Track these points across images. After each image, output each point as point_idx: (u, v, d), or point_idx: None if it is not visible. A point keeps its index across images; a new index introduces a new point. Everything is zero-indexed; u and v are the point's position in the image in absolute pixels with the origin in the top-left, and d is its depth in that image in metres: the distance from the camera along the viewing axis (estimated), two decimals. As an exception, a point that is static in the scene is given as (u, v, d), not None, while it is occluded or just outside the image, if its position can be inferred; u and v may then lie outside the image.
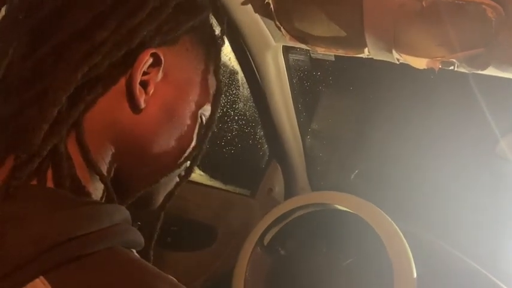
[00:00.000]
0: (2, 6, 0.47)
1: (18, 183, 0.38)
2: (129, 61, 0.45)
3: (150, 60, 0.46)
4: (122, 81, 0.45)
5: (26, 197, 0.38)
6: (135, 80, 0.45)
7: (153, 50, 0.46)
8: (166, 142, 0.49)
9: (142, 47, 0.45)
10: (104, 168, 0.46)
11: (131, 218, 0.44)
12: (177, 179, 0.54)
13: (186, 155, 0.52)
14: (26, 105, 0.41)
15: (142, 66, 0.45)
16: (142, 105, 0.46)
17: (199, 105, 0.52)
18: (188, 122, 0.51)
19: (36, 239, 0.34)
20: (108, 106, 0.45)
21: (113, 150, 0.46)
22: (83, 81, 0.41)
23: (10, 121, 0.42)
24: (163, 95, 0.48)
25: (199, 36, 0.52)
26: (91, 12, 0.43)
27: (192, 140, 0.52)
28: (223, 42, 0.57)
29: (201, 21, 0.51)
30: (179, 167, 0.52)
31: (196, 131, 0.53)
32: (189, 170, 0.54)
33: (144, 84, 0.46)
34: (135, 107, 0.46)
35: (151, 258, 0.52)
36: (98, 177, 0.45)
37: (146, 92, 0.46)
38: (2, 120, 0.43)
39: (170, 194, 0.54)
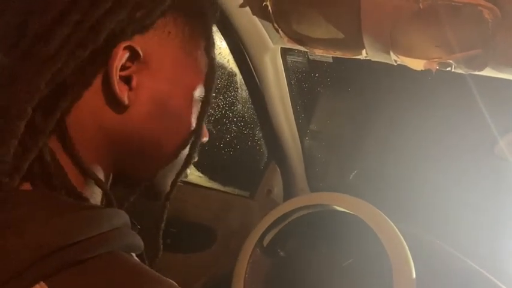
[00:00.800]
0: None
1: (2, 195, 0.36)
2: (99, 60, 0.41)
3: (127, 54, 0.42)
4: (98, 82, 0.42)
5: (23, 202, 0.37)
6: (112, 79, 0.42)
7: (127, 43, 0.42)
8: (163, 134, 0.47)
9: (113, 41, 0.41)
10: (101, 172, 0.45)
11: (131, 220, 0.44)
12: (179, 167, 0.51)
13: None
14: None
15: (118, 63, 0.42)
16: (127, 102, 0.43)
17: (192, 88, 0.49)
18: (183, 108, 0.48)
19: (35, 245, 0.33)
20: (91, 110, 0.42)
21: (108, 153, 0.45)
22: (51, 87, 0.39)
23: None
24: (150, 86, 0.45)
25: (181, 13, 0.47)
26: (52, 11, 0.39)
27: (190, 125, 0.49)
28: (215, 11, 0.52)
29: None
30: (177, 156, 0.49)
31: (194, 114, 0.49)
32: (189, 158, 0.50)
33: (127, 80, 0.43)
34: (119, 106, 0.43)
35: (161, 247, 0.51)
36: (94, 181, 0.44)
37: (130, 88, 0.43)
38: None
39: (173, 183, 0.51)
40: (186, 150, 0.50)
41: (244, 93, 1.34)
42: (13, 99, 0.37)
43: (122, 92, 0.43)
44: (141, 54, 0.43)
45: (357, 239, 0.98)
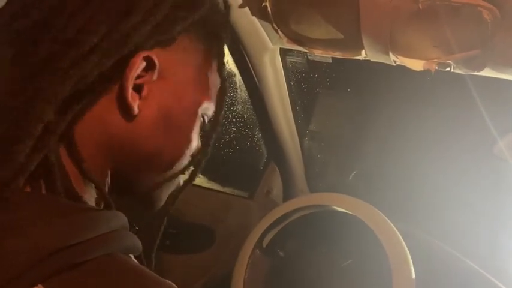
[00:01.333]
0: None
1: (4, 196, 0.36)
2: (120, 68, 0.42)
3: (143, 64, 0.43)
4: (113, 89, 0.43)
5: (22, 204, 0.37)
6: (127, 88, 0.42)
7: (146, 54, 0.43)
8: (164, 144, 0.47)
9: (134, 51, 0.42)
10: (101, 176, 0.45)
11: (130, 222, 0.44)
12: (181, 183, 0.52)
13: (189, 158, 0.50)
14: (10, 118, 0.38)
15: (135, 72, 0.42)
16: (136, 111, 0.44)
17: (198, 104, 0.49)
18: (186, 122, 0.49)
19: (34, 247, 0.33)
20: (100, 115, 0.43)
21: (110, 158, 0.45)
22: (70, 92, 0.39)
23: None
24: (159, 97, 0.45)
25: (199, 32, 0.48)
26: (81, 18, 0.40)
27: (190, 140, 0.50)
28: (228, 32, 0.53)
29: (201, 17, 0.47)
30: (182, 172, 0.50)
31: (196, 130, 0.50)
32: (193, 174, 0.51)
33: (138, 88, 0.44)
34: (128, 114, 0.44)
35: (154, 262, 0.51)
36: (93, 185, 0.44)
37: (141, 97, 0.44)
38: None
39: (173, 198, 0.52)
40: (185, 164, 0.51)
41: (243, 94, 1.34)
42: (37, 100, 0.38)
43: (134, 100, 0.43)
44: (157, 65, 0.44)
45: (356, 239, 0.98)
